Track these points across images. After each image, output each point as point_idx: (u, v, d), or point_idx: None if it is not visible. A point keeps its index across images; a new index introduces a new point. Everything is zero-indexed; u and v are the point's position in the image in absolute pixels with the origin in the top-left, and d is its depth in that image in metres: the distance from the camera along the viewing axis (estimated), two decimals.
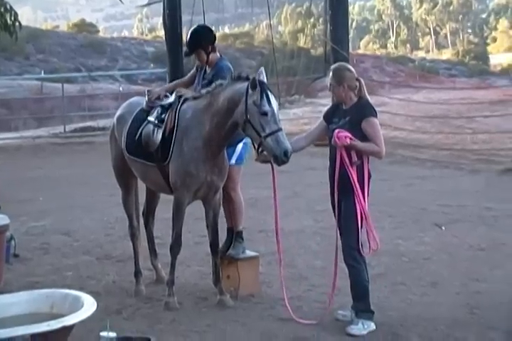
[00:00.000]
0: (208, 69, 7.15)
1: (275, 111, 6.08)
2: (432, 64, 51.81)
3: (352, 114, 6.05)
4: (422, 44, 76.93)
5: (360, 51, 60.94)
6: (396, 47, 71.41)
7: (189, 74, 7.45)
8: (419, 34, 79.34)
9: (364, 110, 6.05)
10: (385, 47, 71.71)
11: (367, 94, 6.20)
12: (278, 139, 5.97)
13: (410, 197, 11.92)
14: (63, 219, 10.72)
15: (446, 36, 75.04)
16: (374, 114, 6.06)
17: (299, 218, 10.27)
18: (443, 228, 9.72)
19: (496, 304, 6.63)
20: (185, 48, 7.36)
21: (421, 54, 64.78)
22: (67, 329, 4.76)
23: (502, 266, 7.92)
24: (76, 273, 7.87)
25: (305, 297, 6.93)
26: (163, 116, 6.75)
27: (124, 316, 6.45)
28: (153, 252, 7.62)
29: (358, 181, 5.96)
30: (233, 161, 6.98)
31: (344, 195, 6.04)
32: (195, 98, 6.68)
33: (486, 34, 76.93)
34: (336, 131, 5.98)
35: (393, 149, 17.24)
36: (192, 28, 7.26)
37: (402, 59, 53.90)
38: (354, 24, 74.93)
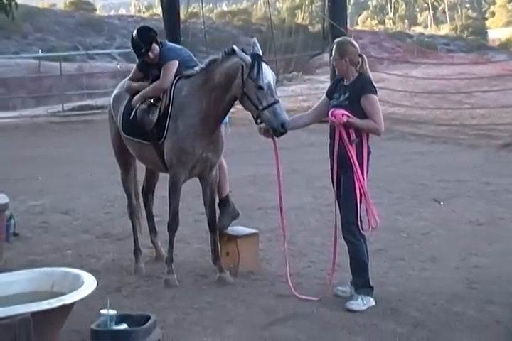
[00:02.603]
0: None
1: (271, 83, 6.08)
2: (430, 39, 51.45)
3: (351, 91, 6.03)
4: (420, 19, 76.38)
5: (358, 27, 60.51)
6: (394, 22, 70.86)
7: (134, 73, 7.26)
8: (417, 9, 78.78)
9: (363, 87, 6.03)
10: (383, 23, 71.16)
11: (369, 71, 6.18)
12: (275, 111, 5.99)
13: (409, 173, 11.93)
14: (62, 197, 10.74)
15: (444, 11, 74.51)
16: (373, 90, 6.04)
17: (298, 195, 10.27)
18: (442, 203, 9.74)
19: (495, 278, 6.66)
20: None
21: (419, 29, 64.27)
22: (67, 308, 4.78)
23: (500, 240, 7.95)
24: (76, 252, 7.89)
25: (305, 273, 6.95)
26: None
27: (124, 294, 6.47)
28: (152, 230, 7.64)
29: (357, 158, 5.95)
30: None
31: (343, 172, 6.05)
32: (188, 76, 6.66)
33: (484, 9, 76.41)
34: (332, 109, 5.98)
35: (392, 125, 17.23)
36: (135, 31, 7.15)
37: (400, 35, 53.52)
38: (352, 0, 74.48)
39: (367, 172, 6.06)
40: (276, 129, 6.01)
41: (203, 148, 6.50)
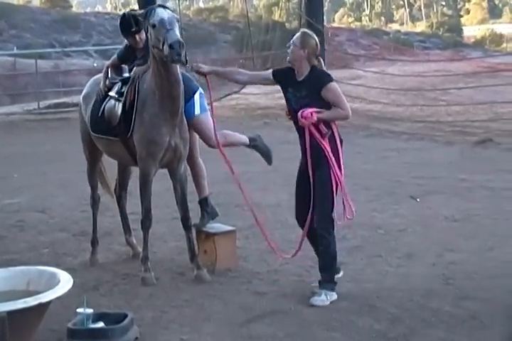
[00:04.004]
0: (139, 52, 7.04)
1: (165, 18, 6.00)
2: (406, 36, 51.74)
3: (308, 88, 6.01)
4: (396, 17, 76.83)
5: (335, 24, 60.74)
6: (370, 20, 71.19)
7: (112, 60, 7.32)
8: (394, 7, 79.23)
9: (319, 79, 6.00)
10: (360, 20, 71.48)
11: (324, 68, 6.17)
12: (166, 37, 5.87)
13: (385, 170, 11.97)
14: (38, 196, 10.68)
15: (420, 9, 74.95)
16: (330, 79, 6.02)
17: (276, 192, 10.27)
18: (418, 200, 9.78)
19: (471, 274, 6.70)
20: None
21: (395, 27, 64.63)
22: (43, 306, 4.76)
23: (476, 236, 8.00)
24: (52, 250, 7.86)
25: (282, 270, 6.96)
26: (123, 89, 6.78)
27: (101, 292, 6.44)
28: (127, 229, 7.65)
29: (332, 151, 5.97)
30: (198, 111, 6.95)
31: (319, 167, 6.04)
32: (148, 68, 6.65)
33: (459, 6, 76.90)
34: (300, 111, 5.98)
35: (368, 122, 17.32)
36: (127, 11, 7.18)
37: (377, 32, 53.75)
38: None
39: (342, 163, 6.07)
40: (169, 54, 5.81)
41: (170, 134, 6.49)
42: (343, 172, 6.05)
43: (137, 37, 6.90)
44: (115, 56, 7.23)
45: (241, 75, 6.59)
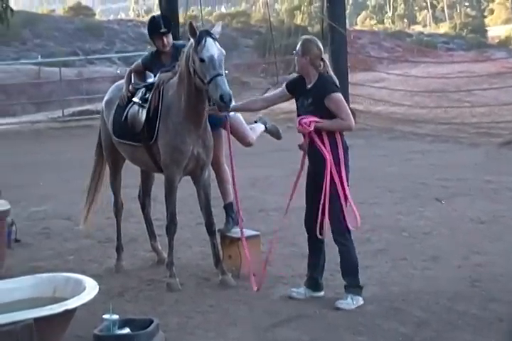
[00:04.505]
0: (165, 57, 7.09)
1: (215, 56, 6.08)
2: (429, 38, 51.37)
3: (314, 95, 6.03)
4: (419, 18, 76.35)
5: (358, 27, 60.47)
6: (393, 22, 70.76)
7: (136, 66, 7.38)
8: (416, 8, 78.73)
9: (324, 88, 6.01)
10: (382, 22, 71.05)
11: (332, 73, 6.17)
12: (216, 83, 5.98)
13: (410, 172, 11.92)
14: (64, 203, 10.73)
15: (443, 10, 74.46)
16: (334, 89, 6.03)
17: (300, 196, 10.19)
18: (443, 202, 9.74)
19: (497, 276, 6.66)
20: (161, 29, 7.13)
21: (418, 28, 64.20)
22: (69, 313, 4.79)
23: (502, 238, 7.95)
24: (78, 257, 7.90)
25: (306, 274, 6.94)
26: (147, 95, 6.80)
27: (127, 298, 6.47)
28: (152, 235, 7.67)
29: (334, 161, 5.96)
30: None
31: (323, 176, 6.02)
32: (174, 75, 6.69)
33: (483, 6, 76.33)
34: (298, 118, 6.01)
35: (392, 124, 17.26)
36: (157, 14, 7.26)
37: (400, 34, 53.43)
38: (351, 0, 74.41)
39: (346, 168, 6.04)
40: (216, 101, 6.00)
41: (193, 144, 6.53)
42: (344, 180, 6.00)
43: (165, 39, 6.95)
44: (139, 61, 7.28)
45: (259, 103, 6.71)
